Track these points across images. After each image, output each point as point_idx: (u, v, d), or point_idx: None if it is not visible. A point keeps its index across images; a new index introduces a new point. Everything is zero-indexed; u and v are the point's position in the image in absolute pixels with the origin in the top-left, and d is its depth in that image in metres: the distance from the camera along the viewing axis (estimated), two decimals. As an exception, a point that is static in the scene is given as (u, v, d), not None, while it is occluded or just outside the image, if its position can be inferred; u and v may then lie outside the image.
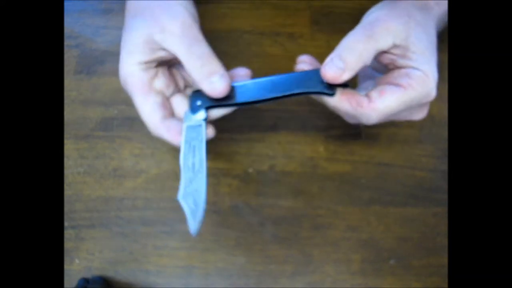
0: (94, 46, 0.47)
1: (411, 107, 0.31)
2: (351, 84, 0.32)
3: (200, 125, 0.31)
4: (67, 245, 0.39)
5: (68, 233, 0.39)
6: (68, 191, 0.41)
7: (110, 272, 0.38)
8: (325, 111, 0.44)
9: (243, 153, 0.42)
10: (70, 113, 0.44)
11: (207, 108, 0.32)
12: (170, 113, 0.33)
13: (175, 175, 0.41)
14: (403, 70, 0.31)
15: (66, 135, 0.43)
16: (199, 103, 0.31)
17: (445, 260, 0.38)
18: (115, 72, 0.46)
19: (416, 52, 0.30)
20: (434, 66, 0.31)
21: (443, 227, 0.39)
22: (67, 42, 0.47)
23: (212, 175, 0.41)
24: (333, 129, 0.43)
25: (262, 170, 0.41)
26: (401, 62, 0.31)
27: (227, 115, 0.44)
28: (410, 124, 0.43)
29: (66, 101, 0.44)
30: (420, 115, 0.34)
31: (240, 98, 0.31)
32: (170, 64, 0.34)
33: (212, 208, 0.40)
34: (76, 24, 0.49)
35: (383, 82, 0.31)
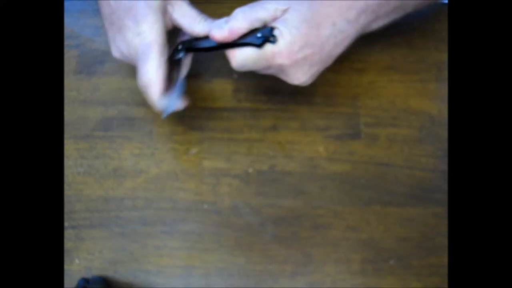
0: (94, 46, 0.47)
1: (266, 61, 0.35)
2: None
3: (179, 59, 0.39)
4: (67, 245, 0.39)
5: (68, 233, 0.39)
6: (68, 191, 0.41)
7: (110, 272, 0.38)
8: (325, 111, 0.44)
9: (243, 153, 0.42)
10: (70, 113, 0.44)
11: (186, 50, 0.39)
12: None
13: (175, 175, 0.41)
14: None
15: (66, 135, 0.43)
16: (180, 47, 0.39)
17: (445, 260, 0.38)
18: (115, 72, 0.46)
19: (286, 19, 0.34)
20: (297, 33, 0.34)
21: (443, 227, 0.39)
22: (67, 42, 0.47)
23: (212, 175, 0.41)
24: (333, 129, 0.43)
25: (262, 170, 0.41)
26: (271, 23, 0.35)
27: (228, 115, 0.44)
28: (410, 124, 0.43)
29: (66, 101, 0.44)
30: (289, 77, 0.37)
31: (206, 44, 0.38)
32: None
33: (212, 208, 0.40)
34: (76, 24, 0.49)
35: None
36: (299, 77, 0.37)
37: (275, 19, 0.35)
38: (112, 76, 0.46)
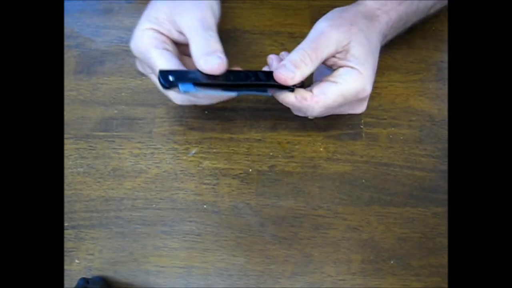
0: (94, 46, 0.47)
1: (348, 101, 0.36)
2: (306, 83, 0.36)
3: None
4: (67, 245, 0.39)
5: (68, 233, 0.39)
6: (68, 191, 0.41)
7: (110, 272, 0.38)
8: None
9: (243, 153, 0.42)
10: (70, 113, 0.44)
11: (194, 84, 0.33)
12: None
13: (175, 175, 0.41)
14: (341, 69, 0.36)
15: (66, 135, 0.43)
16: (171, 78, 0.33)
17: (445, 260, 0.38)
18: (115, 72, 0.46)
19: (354, 55, 0.35)
20: (369, 66, 0.36)
21: (443, 227, 0.39)
22: (67, 42, 0.47)
23: (212, 175, 0.41)
24: (333, 129, 0.43)
25: (262, 170, 0.41)
26: (341, 62, 0.36)
27: (228, 115, 0.44)
28: (410, 124, 0.43)
29: (66, 101, 0.44)
30: (360, 109, 0.39)
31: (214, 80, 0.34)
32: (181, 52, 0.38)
33: (212, 208, 0.40)
34: (76, 24, 0.49)
35: (325, 80, 0.36)
36: (363, 108, 0.39)
37: (336, 53, 0.36)
38: (112, 76, 0.46)
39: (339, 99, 0.35)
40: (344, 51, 0.36)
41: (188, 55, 0.35)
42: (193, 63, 0.34)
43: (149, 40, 0.35)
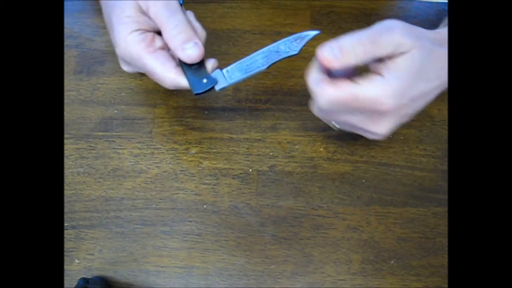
0: (94, 46, 0.47)
1: (364, 108, 0.31)
2: None
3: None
4: (67, 245, 0.39)
5: (68, 233, 0.39)
6: (68, 191, 0.41)
7: (110, 272, 0.38)
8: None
9: (243, 153, 0.42)
10: (70, 113, 0.44)
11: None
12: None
13: (175, 175, 0.41)
14: (371, 74, 0.31)
15: (66, 135, 0.43)
16: (205, 80, 0.36)
17: (445, 260, 0.38)
18: (115, 72, 0.46)
19: (398, 64, 0.30)
20: (405, 84, 0.30)
21: (443, 227, 0.39)
22: (67, 42, 0.47)
23: (212, 175, 0.41)
24: (333, 129, 0.43)
25: (262, 170, 0.41)
26: (375, 67, 0.31)
27: (228, 115, 0.44)
28: (410, 124, 0.43)
29: (66, 101, 0.44)
30: (379, 127, 0.33)
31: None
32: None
33: (212, 208, 0.40)
34: (76, 24, 0.49)
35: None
36: (382, 129, 0.33)
37: (391, 57, 0.30)
38: (112, 76, 0.46)
39: (350, 99, 0.31)
40: (393, 57, 0.30)
41: None
42: None
43: (138, 45, 0.34)
